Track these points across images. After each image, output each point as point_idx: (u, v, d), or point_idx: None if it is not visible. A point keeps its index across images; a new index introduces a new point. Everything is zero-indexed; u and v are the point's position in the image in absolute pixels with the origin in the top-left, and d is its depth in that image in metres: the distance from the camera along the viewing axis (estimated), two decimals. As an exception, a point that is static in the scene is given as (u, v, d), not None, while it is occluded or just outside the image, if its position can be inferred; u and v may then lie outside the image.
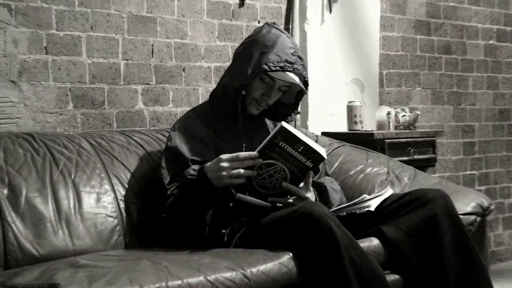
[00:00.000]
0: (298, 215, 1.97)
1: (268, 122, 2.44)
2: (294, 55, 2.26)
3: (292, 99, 2.40)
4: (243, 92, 2.26)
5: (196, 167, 2.11)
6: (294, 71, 2.25)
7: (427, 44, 3.99)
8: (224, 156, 2.04)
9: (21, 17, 2.50)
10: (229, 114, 2.31)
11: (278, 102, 2.38)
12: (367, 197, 2.22)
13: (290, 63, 2.24)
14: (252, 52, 2.26)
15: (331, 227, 1.90)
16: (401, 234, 2.16)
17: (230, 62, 2.43)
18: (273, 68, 2.22)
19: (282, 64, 2.22)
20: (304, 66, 2.30)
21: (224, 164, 2.02)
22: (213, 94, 2.39)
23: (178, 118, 2.94)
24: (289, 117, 2.41)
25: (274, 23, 2.35)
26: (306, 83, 2.32)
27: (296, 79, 2.26)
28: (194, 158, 2.19)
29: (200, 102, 2.99)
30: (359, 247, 1.96)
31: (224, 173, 2.01)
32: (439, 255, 2.14)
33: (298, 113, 2.40)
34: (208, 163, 2.07)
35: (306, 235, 1.93)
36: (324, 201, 2.25)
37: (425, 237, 2.15)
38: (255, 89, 2.28)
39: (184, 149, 2.22)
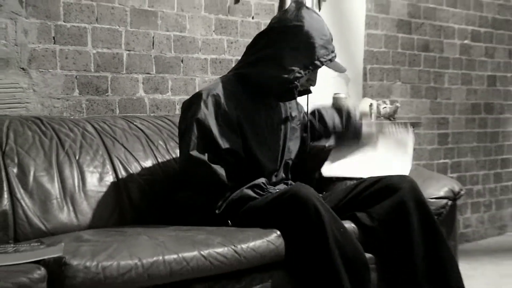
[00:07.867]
0: (287, 197, 1.97)
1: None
2: (332, 41, 2.26)
3: None
4: (296, 83, 2.18)
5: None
6: (335, 57, 2.26)
7: (407, 42, 3.99)
8: None
9: (31, 8, 2.48)
10: (263, 97, 2.26)
11: None
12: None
13: (333, 51, 2.25)
14: (300, 44, 2.19)
15: (316, 206, 1.91)
16: (373, 221, 2.16)
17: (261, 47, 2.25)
18: (325, 63, 2.22)
19: (330, 57, 2.23)
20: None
21: None
22: (246, 74, 2.24)
23: (176, 104, 2.95)
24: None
25: (306, 6, 2.26)
26: None
27: (340, 65, 2.28)
28: (228, 147, 2.11)
29: (197, 91, 2.97)
30: (342, 226, 1.97)
31: None
32: (408, 239, 2.13)
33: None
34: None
35: (293, 215, 1.93)
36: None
37: (395, 223, 2.15)
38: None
39: (215, 132, 2.11)
